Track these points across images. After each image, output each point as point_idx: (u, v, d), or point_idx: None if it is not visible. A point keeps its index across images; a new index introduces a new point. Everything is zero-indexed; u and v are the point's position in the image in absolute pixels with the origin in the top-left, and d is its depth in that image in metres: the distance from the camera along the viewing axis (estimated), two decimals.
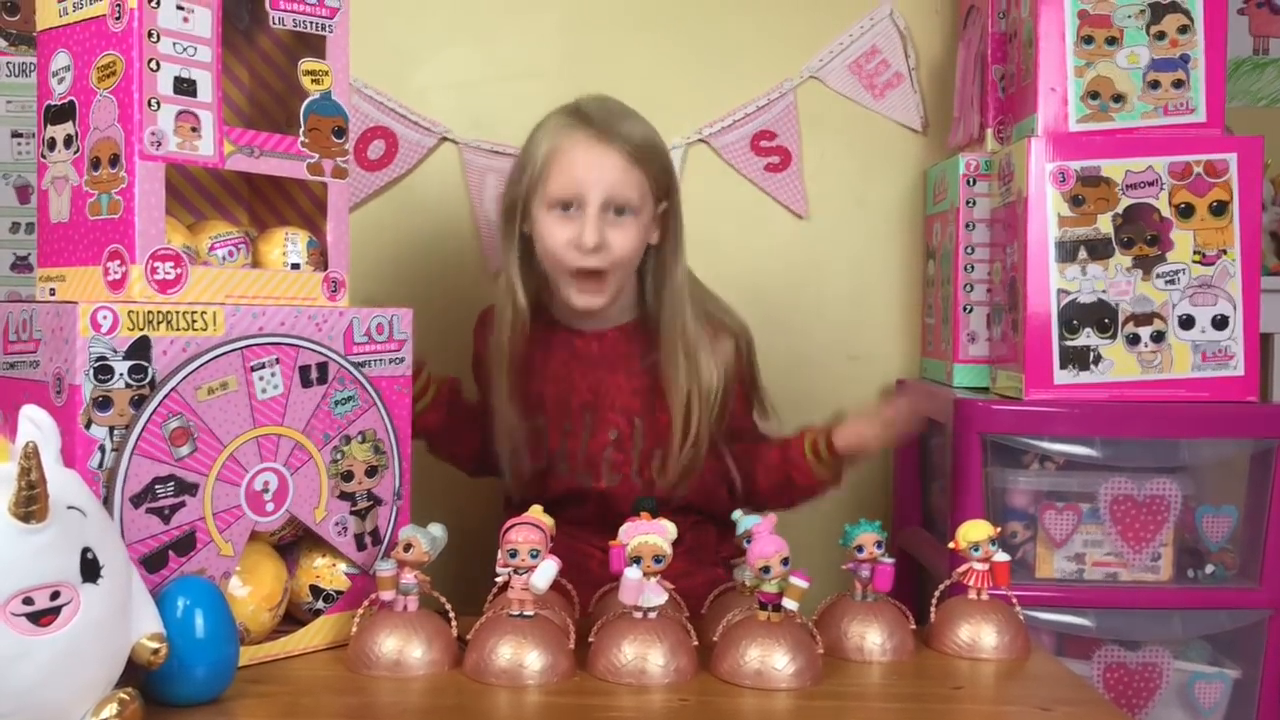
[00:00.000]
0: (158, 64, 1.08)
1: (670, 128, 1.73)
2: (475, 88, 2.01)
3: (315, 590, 1.19)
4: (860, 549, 1.23)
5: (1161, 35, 1.61)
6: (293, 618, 1.19)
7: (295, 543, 1.22)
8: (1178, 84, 1.62)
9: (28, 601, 0.84)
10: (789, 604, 1.12)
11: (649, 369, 1.54)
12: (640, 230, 1.50)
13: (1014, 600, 1.25)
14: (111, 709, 0.90)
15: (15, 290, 1.79)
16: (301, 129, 1.19)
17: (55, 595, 0.86)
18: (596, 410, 1.55)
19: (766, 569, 1.12)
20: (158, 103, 1.08)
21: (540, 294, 1.57)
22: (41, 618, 0.85)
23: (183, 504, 1.06)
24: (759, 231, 2.03)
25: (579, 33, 2.01)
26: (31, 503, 0.84)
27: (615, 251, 1.47)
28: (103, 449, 1.02)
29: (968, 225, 1.79)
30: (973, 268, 1.79)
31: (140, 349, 1.04)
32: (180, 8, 1.09)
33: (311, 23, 1.20)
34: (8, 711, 0.85)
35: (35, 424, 0.91)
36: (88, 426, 1.01)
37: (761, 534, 1.15)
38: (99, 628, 0.89)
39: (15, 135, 1.78)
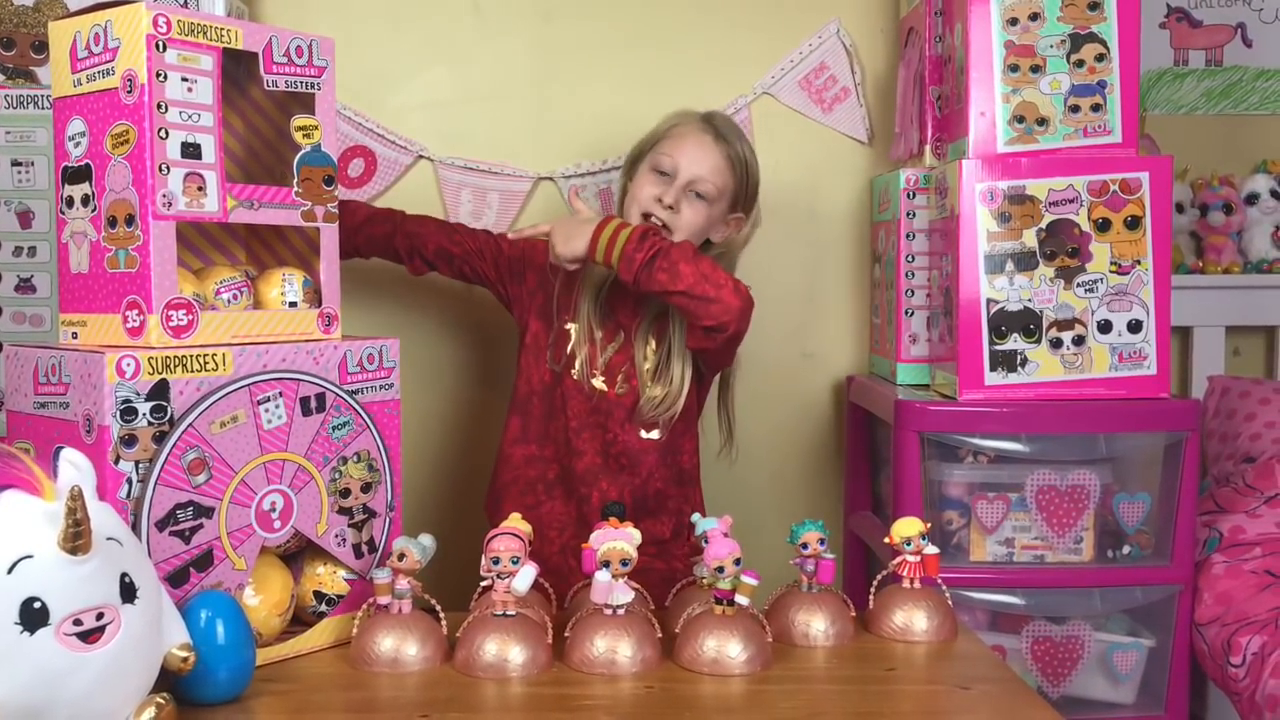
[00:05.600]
0: (166, 132, 1.19)
1: (633, 143, 1.87)
2: (449, 108, 2.12)
3: (319, 595, 1.33)
4: (805, 546, 1.37)
5: (1081, 63, 1.75)
6: (299, 620, 1.32)
7: (299, 552, 1.35)
8: (1096, 108, 1.76)
9: (77, 623, 0.97)
10: (741, 599, 1.26)
11: (659, 317, 1.78)
12: (706, 217, 1.77)
13: (943, 588, 1.40)
14: (150, 712, 1.02)
15: (20, 311, 1.90)
16: (295, 180, 1.31)
17: (100, 616, 0.98)
18: (628, 330, 1.78)
19: (721, 569, 1.26)
20: (167, 167, 1.20)
21: None
22: (89, 636, 0.97)
23: (201, 526, 1.19)
24: None
25: (546, 55, 2.13)
26: (78, 538, 0.96)
27: (684, 218, 1.76)
28: (130, 481, 1.15)
29: (908, 235, 1.93)
30: (913, 274, 1.94)
31: (160, 391, 1.16)
32: (185, 79, 1.21)
33: (302, 82, 1.32)
34: (64, 718, 0.97)
35: (75, 466, 1.03)
36: (116, 462, 1.14)
37: (716, 537, 1.29)
38: (137, 642, 1.02)
39: (15, 164, 1.88)
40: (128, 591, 1.01)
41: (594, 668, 1.23)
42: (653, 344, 1.78)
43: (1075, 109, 1.76)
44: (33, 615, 0.94)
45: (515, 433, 1.82)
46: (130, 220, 1.20)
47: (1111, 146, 1.76)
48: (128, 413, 1.14)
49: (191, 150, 1.22)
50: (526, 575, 1.24)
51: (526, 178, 2.12)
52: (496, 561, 1.24)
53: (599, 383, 1.78)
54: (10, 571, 0.94)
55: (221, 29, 1.24)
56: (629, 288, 1.68)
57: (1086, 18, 1.75)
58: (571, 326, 1.79)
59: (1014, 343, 1.74)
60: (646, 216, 1.76)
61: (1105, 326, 1.75)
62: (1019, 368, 1.75)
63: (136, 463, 1.15)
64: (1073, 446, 1.75)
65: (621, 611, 1.26)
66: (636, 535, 1.28)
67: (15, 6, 1.89)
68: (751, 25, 2.15)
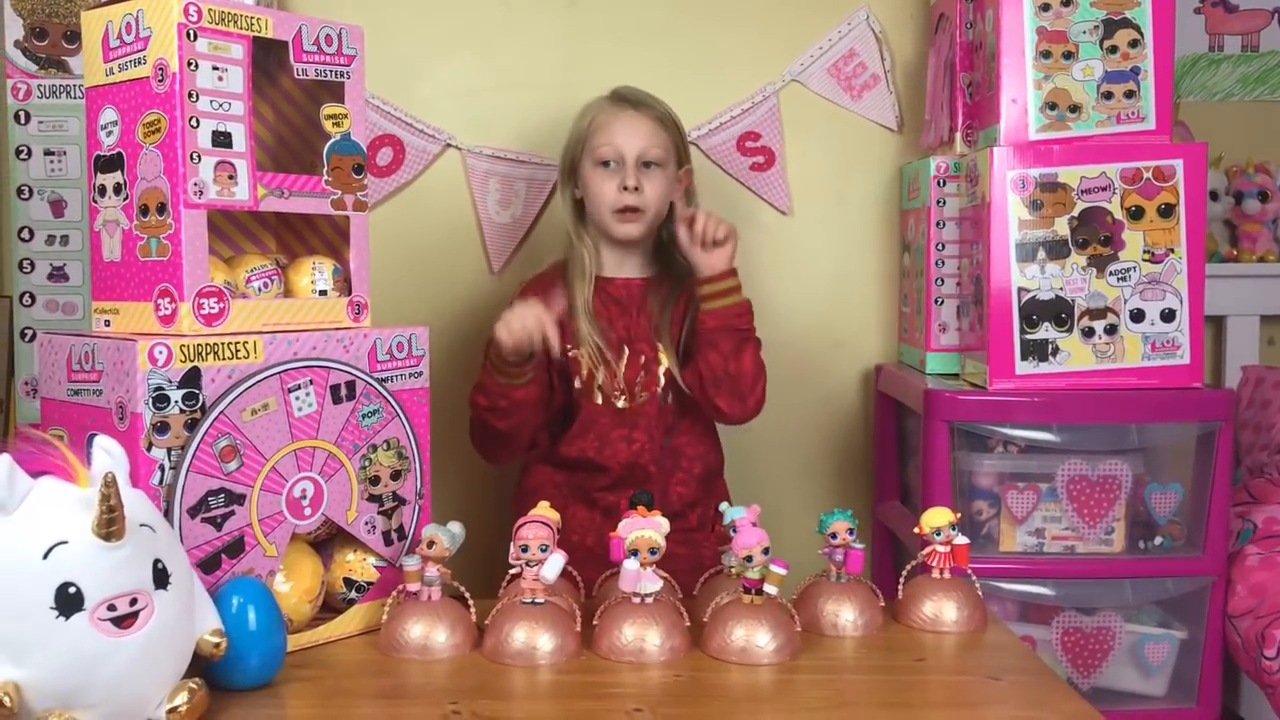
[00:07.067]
0: (197, 121, 1.20)
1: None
2: (477, 97, 2.12)
3: (349, 582, 1.33)
4: (834, 535, 1.36)
5: (1114, 49, 1.73)
6: (329, 607, 1.33)
7: (329, 539, 1.36)
8: (1129, 94, 1.74)
9: (111, 608, 0.98)
10: (770, 589, 1.26)
11: (666, 311, 1.81)
12: (666, 182, 1.80)
13: (973, 578, 1.39)
14: (183, 697, 1.04)
15: (53, 299, 1.92)
16: (325, 168, 1.32)
17: (134, 602, 0.99)
18: (632, 343, 1.79)
19: (750, 558, 1.25)
20: (199, 156, 1.20)
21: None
22: (123, 622, 0.98)
23: (232, 513, 1.20)
24: (746, 226, 2.14)
25: (574, 43, 2.13)
26: (112, 524, 0.97)
27: (648, 194, 1.77)
28: (162, 468, 1.15)
29: (938, 223, 1.92)
30: (943, 263, 1.92)
31: (192, 378, 1.17)
32: (215, 68, 1.22)
33: (332, 71, 1.33)
34: (98, 701, 0.98)
35: (109, 453, 1.04)
36: (148, 449, 1.14)
37: (745, 526, 1.28)
38: (170, 627, 1.03)
39: (48, 154, 1.90)
40: (160, 577, 1.02)
41: (622, 656, 1.23)
42: (661, 348, 1.79)
43: (1108, 95, 1.74)
44: (68, 600, 0.94)
45: (539, 450, 1.83)
46: (162, 209, 1.20)
47: (1145, 133, 1.74)
48: (160, 400, 1.15)
49: (222, 139, 1.22)
50: (555, 563, 1.24)
51: (554, 166, 2.12)
52: (525, 549, 1.24)
53: (621, 401, 1.78)
54: (46, 557, 0.95)
55: (252, 18, 1.24)
56: (700, 329, 1.72)
57: (1120, 3, 1.73)
58: (576, 353, 1.79)
59: (1045, 332, 1.73)
60: (620, 211, 1.76)
61: (1138, 315, 1.73)
62: (1050, 357, 1.73)
63: (169, 450, 1.15)
64: (1104, 436, 1.73)
65: (650, 600, 1.26)
66: (665, 524, 1.28)
67: None
68: (780, 12, 2.14)
